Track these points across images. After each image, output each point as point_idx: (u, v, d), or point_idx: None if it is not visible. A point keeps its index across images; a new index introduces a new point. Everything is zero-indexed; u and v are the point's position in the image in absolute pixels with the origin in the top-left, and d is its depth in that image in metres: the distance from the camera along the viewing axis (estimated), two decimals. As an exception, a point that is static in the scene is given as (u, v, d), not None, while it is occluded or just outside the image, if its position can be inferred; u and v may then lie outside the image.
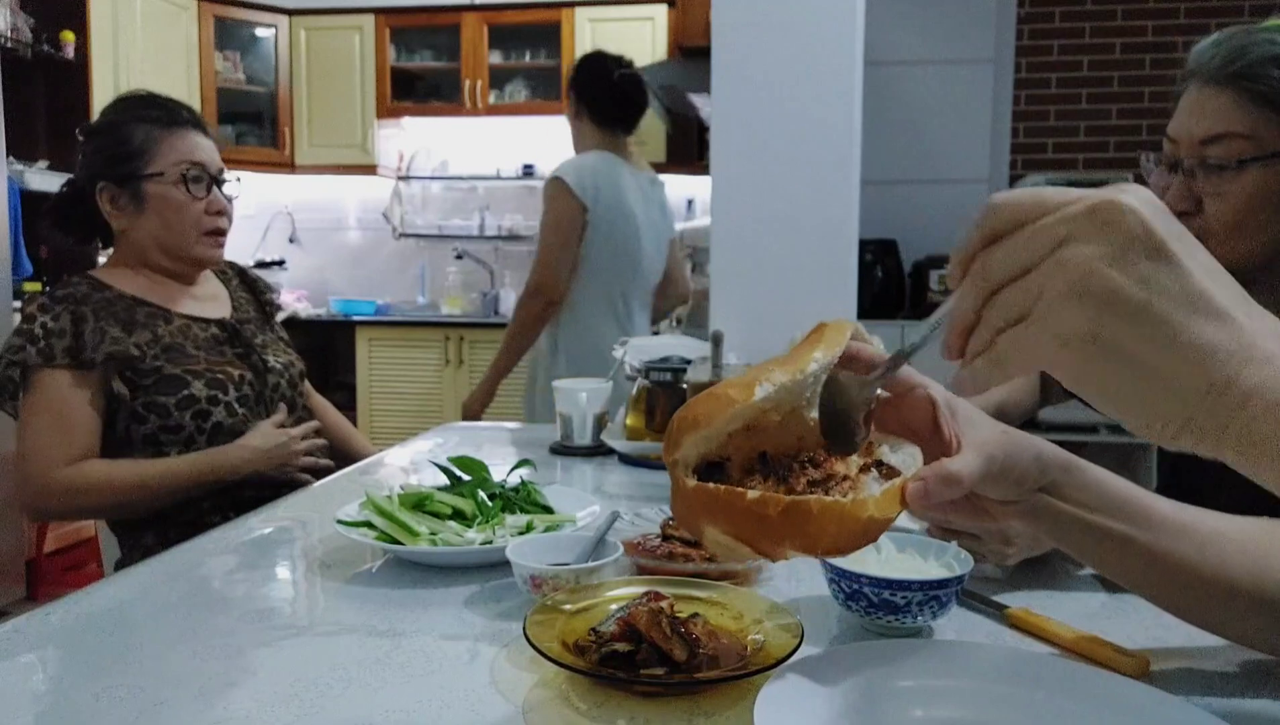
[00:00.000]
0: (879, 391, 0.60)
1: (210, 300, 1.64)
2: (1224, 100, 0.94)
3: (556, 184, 2.34)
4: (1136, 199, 0.42)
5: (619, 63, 2.49)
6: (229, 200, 1.61)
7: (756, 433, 0.59)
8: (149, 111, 1.56)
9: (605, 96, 2.48)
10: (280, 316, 1.83)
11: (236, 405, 1.51)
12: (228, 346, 1.58)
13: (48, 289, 1.52)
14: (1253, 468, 0.42)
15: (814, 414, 0.60)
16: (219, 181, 1.58)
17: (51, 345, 1.42)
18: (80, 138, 1.59)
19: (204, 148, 1.58)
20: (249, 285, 1.78)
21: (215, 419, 1.49)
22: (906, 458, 0.59)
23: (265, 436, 1.51)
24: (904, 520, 1.02)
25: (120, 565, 1.50)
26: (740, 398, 0.56)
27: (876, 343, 0.64)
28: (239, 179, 1.63)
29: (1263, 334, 0.42)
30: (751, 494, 0.53)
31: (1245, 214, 0.94)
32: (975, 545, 0.86)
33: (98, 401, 1.44)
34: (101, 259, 1.75)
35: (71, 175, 1.60)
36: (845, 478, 0.57)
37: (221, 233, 1.60)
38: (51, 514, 1.42)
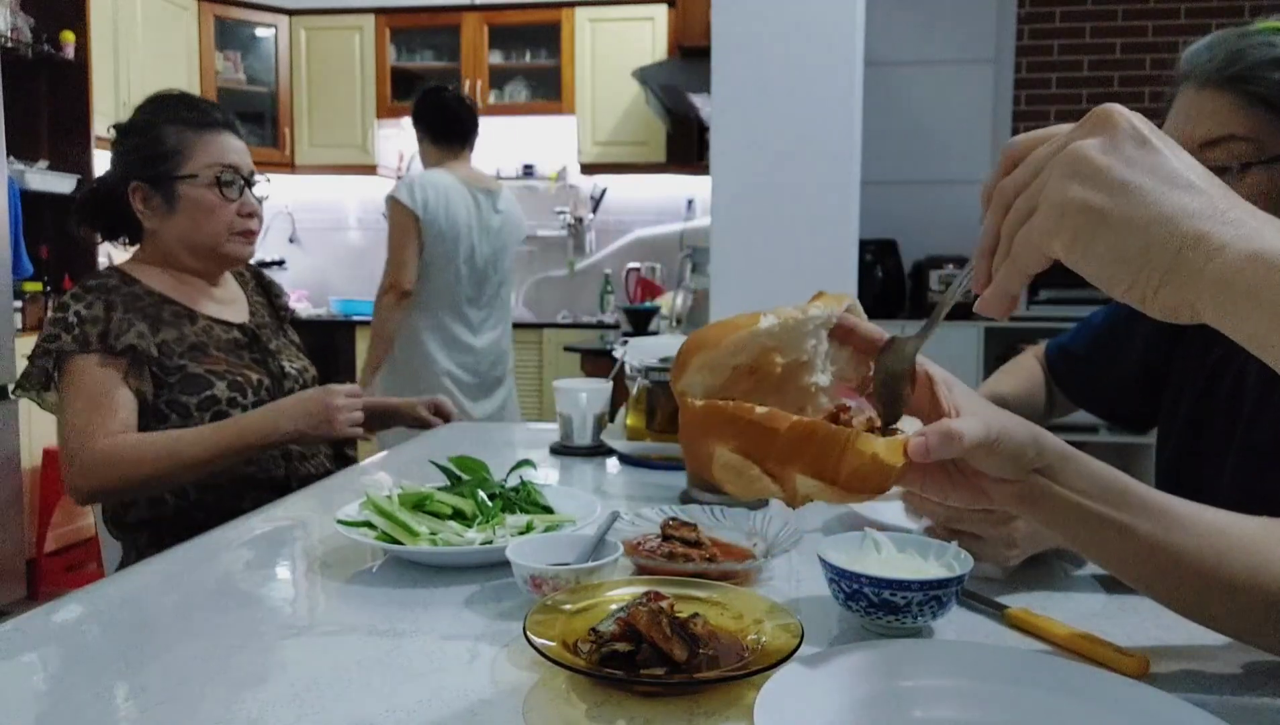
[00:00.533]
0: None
1: (230, 303, 1.65)
2: (1223, 103, 0.92)
3: (391, 201, 2.76)
4: (1120, 108, 0.49)
5: (447, 89, 2.94)
6: (259, 201, 1.61)
7: (762, 382, 0.61)
8: (183, 113, 1.57)
9: (437, 117, 2.87)
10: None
11: (251, 407, 1.52)
12: (246, 351, 1.59)
13: (80, 281, 1.52)
14: (1229, 313, 0.46)
15: (815, 380, 0.62)
16: (250, 183, 1.59)
17: (86, 332, 1.43)
18: (112, 135, 1.60)
19: (236, 150, 1.58)
20: (264, 288, 1.78)
21: (220, 406, 1.49)
22: (908, 427, 0.62)
23: (302, 397, 1.48)
24: (904, 520, 1.02)
25: (121, 566, 1.50)
26: (746, 324, 0.59)
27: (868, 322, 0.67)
28: (269, 179, 1.63)
29: (1234, 206, 0.47)
30: (760, 409, 0.56)
31: None
32: (978, 547, 0.86)
33: (131, 384, 1.44)
34: (108, 256, 1.75)
35: (79, 175, 1.62)
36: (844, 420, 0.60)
37: (252, 233, 1.61)
38: (96, 491, 1.41)
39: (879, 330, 0.66)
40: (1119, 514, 0.64)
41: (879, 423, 0.62)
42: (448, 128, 2.87)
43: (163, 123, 1.55)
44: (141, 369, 1.45)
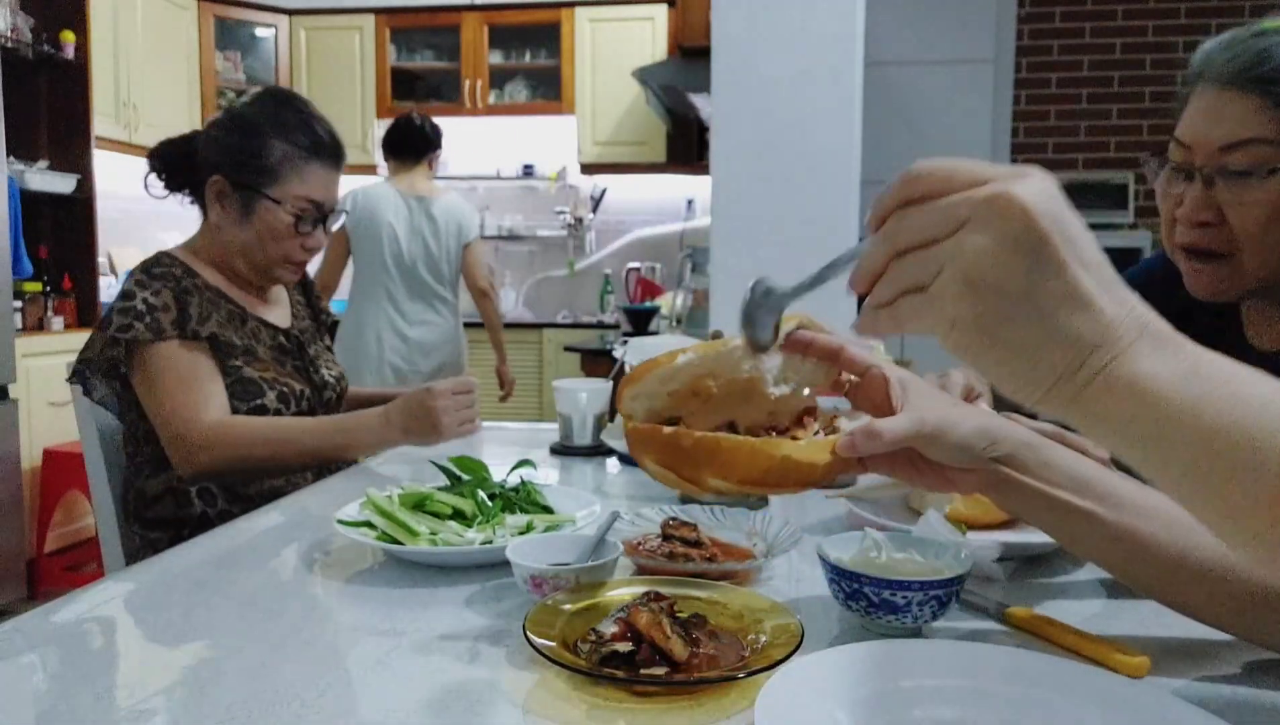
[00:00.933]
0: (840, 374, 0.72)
1: (275, 305, 1.65)
2: (1246, 105, 0.89)
3: None
4: (1029, 192, 0.46)
5: (414, 117, 3.29)
6: (328, 233, 1.60)
7: (721, 399, 0.71)
8: (298, 134, 1.52)
9: (392, 136, 3.27)
10: None
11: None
12: (289, 358, 1.58)
13: (138, 266, 1.50)
14: (1097, 436, 0.48)
15: (775, 391, 0.71)
16: (325, 217, 1.56)
17: (158, 319, 1.42)
18: (222, 115, 1.56)
19: (328, 184, 1.56)
20: (305, 289, 1.77)
21: None
22: (846, 426, 0.70)
23: (407, 404, 1.42)
24: (904, 520, 1.02)
25: (131, 562, 1.50)
26: (664, 361, 0.70)
27: (831, 332, 0.73)
28: (346, 211, 1.61)
29: (1122, 323, 0.47)
30: (668, 429, 0.67)
31: (1272, 223, 0.89)
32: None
33: (207, 363, 1.44)
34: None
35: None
36: (796, 436, 0.69)
37: (305, 264, 1.61)
38: (208, 465, 1.39)
39: (835, 339, 0.71)
40: (1084, 502, 0.67)
41: (833, 426, 0.72)
42: (398, 146, 3.26)
43: (273, 134, 1.50)
44: (218, 359, 1.46)
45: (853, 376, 0.73)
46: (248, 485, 1.48)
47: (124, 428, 1.53)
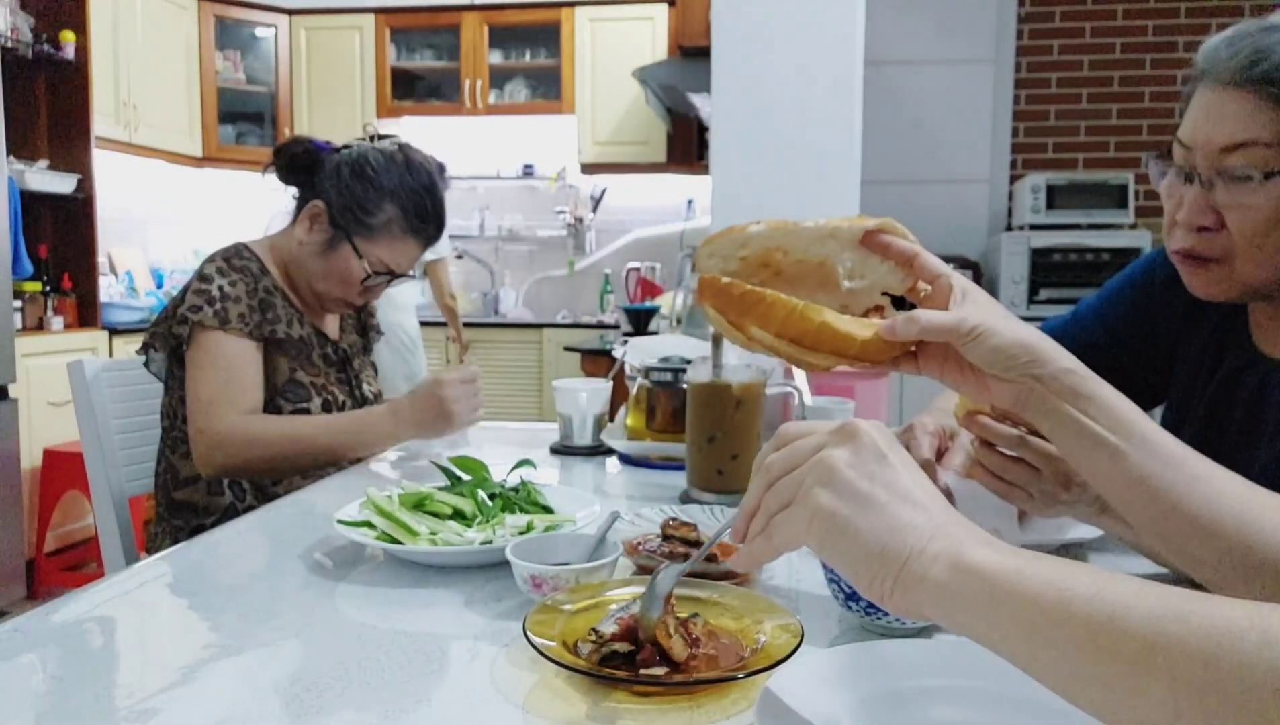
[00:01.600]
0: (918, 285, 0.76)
1: (329, 315, 1.67)
2: (1246, 105, 0.85)
3: None
4: (870, 425, 0.58)
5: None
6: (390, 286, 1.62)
7: (779, 273, 0.75)
8: (409, 205, 1.52)
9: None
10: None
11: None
12: (334, 369, 1.61)
13: (220, 252, 1.52)
14: (946, 614, 0.52)
15: (849, 285, 0.76)
16: (394, 277, 1.57)
17: (227, 309, 1.44)
18: (355, 149, 1.54)
19: (413, 258, 1.58)
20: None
21: None
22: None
23: (415, 398, 1.44)
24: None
25: (150, 550, 1.51)
26: (740, 228, 0.75)
27: (912, 240, 0.75)
28: (414, 275, 1.61)
29: (952, 522, 0.54)
30: (725, 279, 0.72)
31: (1271, 227, 0.87)
32: (1031, 481, 0.85)
33: (257, 365, 1.46)
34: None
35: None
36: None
37: (356, 307, 1.62)
38: (225, 465, 1.41)
39: (911, 246, 0.74)
40: (1115, 438, 0.67)
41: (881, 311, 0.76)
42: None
43: (388, 197, 1.51)
44: (276, 360, 1.48)
45: (927, 286, 0.74)
46: (277, 483, 1.49)
47: (165, 400, 1.55)
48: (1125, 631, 0.44)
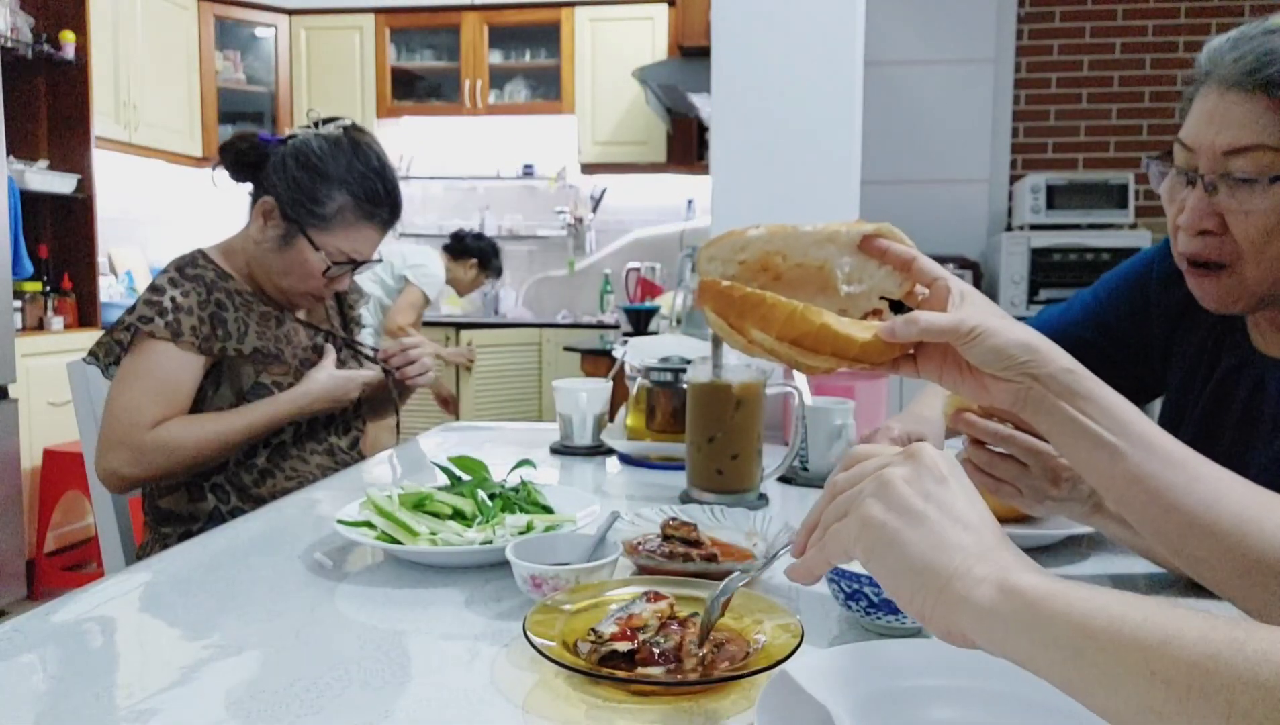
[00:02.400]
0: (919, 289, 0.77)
1: (308, 311, 1.65)
2: (1251, 108, 0.84)
3: None
4: (936, 451, 0.59)
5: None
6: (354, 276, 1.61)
7: (779, 277, 0.76)
8: (360, 189, 1.49)
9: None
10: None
11: (305, 428, 1.54)
12: (316, 359, 1.58)
13: (174, 261, 1.50)
14: (986, 638, 0.52)
15: (847, 289, 0.76)
16: (358, 265, 1.55)
17: (179, 321, 1.42)
18: (299, 139, 1.51)
19: (373, 243, 1.55)
20: (337, 295, 1.75)
21: (283, 438, 1.51)
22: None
23: (323, 379, 1.52)
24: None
25: (141, 556, 1.51)
26: (738, 232, 0.76)
27: (909, 244, 0.76)
28: (380, 259, 1.60)
29: (1002, 547, 0.54)
30: (726, 282, 0.73)
31: (1276, 232, 0.86)
32: (1019, 476, 0.85)
33: (196, 381, 1.45)
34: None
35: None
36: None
37: (325, 298, 1.61)
38: (140, 478, 1.41)
39: (908, 251, 0.75)
40: (1114, 438, 0.67)
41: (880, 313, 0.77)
42: None
43: (336, 185, 1.48)
44: (222, 373, 1.47)
45: (924, 290, 0.75)
46: (260, 485, 1.49)
47: None
48: (1179, 658, 0.44)
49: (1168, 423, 1.12)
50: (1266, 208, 0.85)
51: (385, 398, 1.77)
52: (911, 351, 0.73)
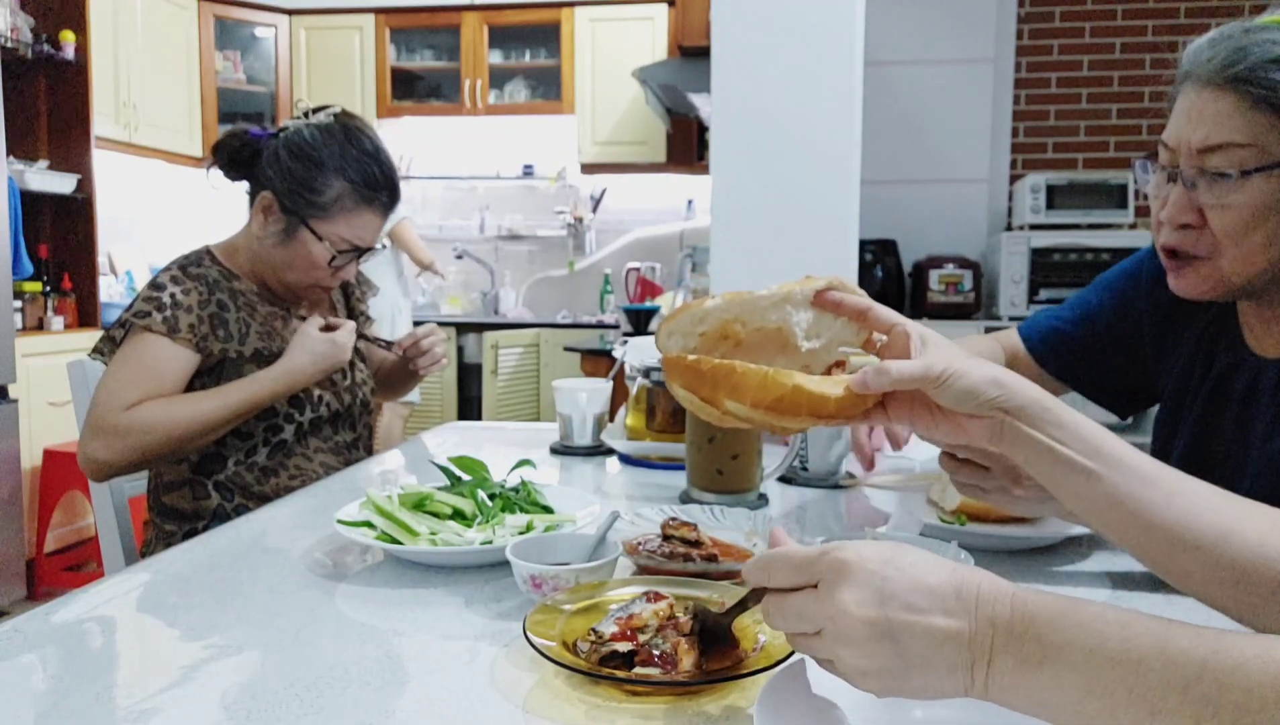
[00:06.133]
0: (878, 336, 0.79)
1: (316, 304, 1.65)
2: (1223, 105, 0.88)
3: None
4: (851, 599, 0.56)
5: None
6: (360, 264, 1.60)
7: (739, 345, 0.77)
8: (356, 175, 1.48)
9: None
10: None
11: (307, 426, 1.53)
12: None
13: (178, 259, 1.50)
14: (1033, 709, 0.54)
15: (806, 345, 0.78)
16: (362, 253, 1.55)
17: (177, 317, 1.42)
18: (291, 131, 1.50)
19: (375, 228, 1.53)
20: (344, 290, 1.75)
21: (283, 436, 1.50)
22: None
23: (304, 346, 1.46)
24: (904, 522, 1.02)
25: (145, 554, 1.51)
26: (696, 304, 0.77)
27: (860, 294, 0.79)
28: (385, 246, 1.60)
29: (977, 634, 0.55)
30: (691, 356, 0.73)
31: (1251, 225, 0.89)
32: (982, 479, 0.85)
33: (184, 373, 1.44)
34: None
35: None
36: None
37: (331, 289, 1.60)
38: (117, 463, 1.38)
39: (862, 300, 0.78)
40: (1089, 462, 0.68)
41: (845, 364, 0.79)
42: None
43: (333, 172, 1.47)
44: (224, 374, 1.46)
45: (883, 336, 0.77)
46: (264, 483, 1.49)
47: None
48: (1226, 685, 0.48)
49: (1166, 425, 1.12)
50: (1241, 202, 0.89)
51: (399, 379, 1.80)
52: (881, 400, 0.74)
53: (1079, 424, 0.70)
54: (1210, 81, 0.89)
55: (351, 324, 1.53)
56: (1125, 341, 1.16)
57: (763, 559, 0.61)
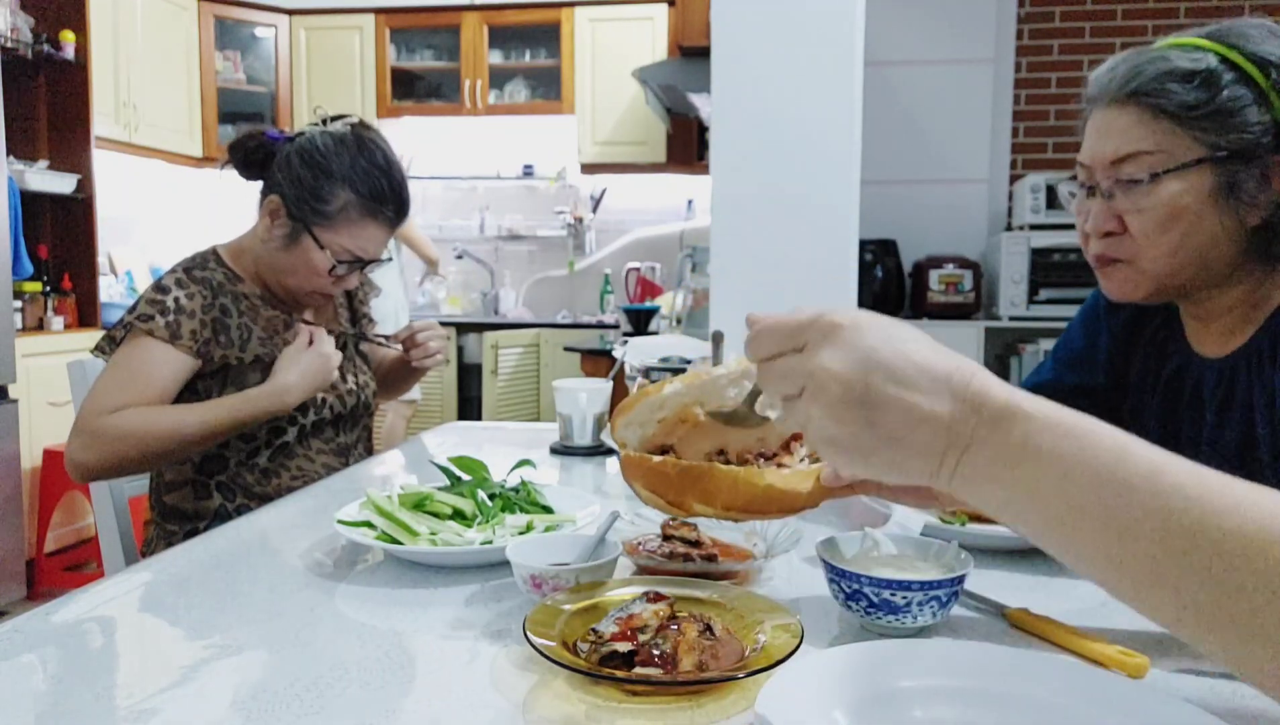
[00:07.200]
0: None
1: (320, 309, 1.65)
2: (1128, 119, 0.97)
3: None
4: (834, 358, 0.55)
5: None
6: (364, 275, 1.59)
7: (697, 426, 0.75)
8: (365, 187, 1.48)
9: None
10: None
11: (309, 428, 1.52)
12: None
13: (184, 261, 1.49)
14: (973, 503, 0.55)
15: (766, 412, 0.73)
16: (365, 265, 1.54)
17: (180, 323, 1.41)
18: (305, 137, 1.50)
19: (379, 242, 1.53)
20: (348, 293, 1.74)
21: (286, 439, 1.50)
22: None
23: (292, 360, 1.45)
24: (904, 522, 1.02)
25: (146, 553, 1.51)
26: (653, 391, 0.74)
27: None
28: (390, 258, 1.59)
29: (959, 419, 0.54)
30: (656, 459, 0.70)
31: (1166, 224, 0.96)
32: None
33: (177, 379, 1.43)
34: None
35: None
36: (783, 464, 0.73)
37: (333, 296, 1.59)
38: (94, 466, 1.37)
39: None
40: None
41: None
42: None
43: (340, 182, 1.47)
44: (227, 379, 1.46)
45: None
46: (265, 484, 1.49)
47: None
48: (1134, 508, 0.48)
49: (1131, 429, 1.15)
50: (1155, 204, 0.96)
51: (398, 377, 1.81)
52: None
53: None
54: (1114, 100, 0.98)
55: (322, 330, 1.51)
56: (1096, 369, 1.21)
57: (751, 332, 0.59)
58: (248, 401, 1.42)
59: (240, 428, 1.43)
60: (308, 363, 1.46)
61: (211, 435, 1.40)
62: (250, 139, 1.53)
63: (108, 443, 1.36)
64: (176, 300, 1.43)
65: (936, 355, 0.55)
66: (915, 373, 0.54)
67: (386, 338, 1.68)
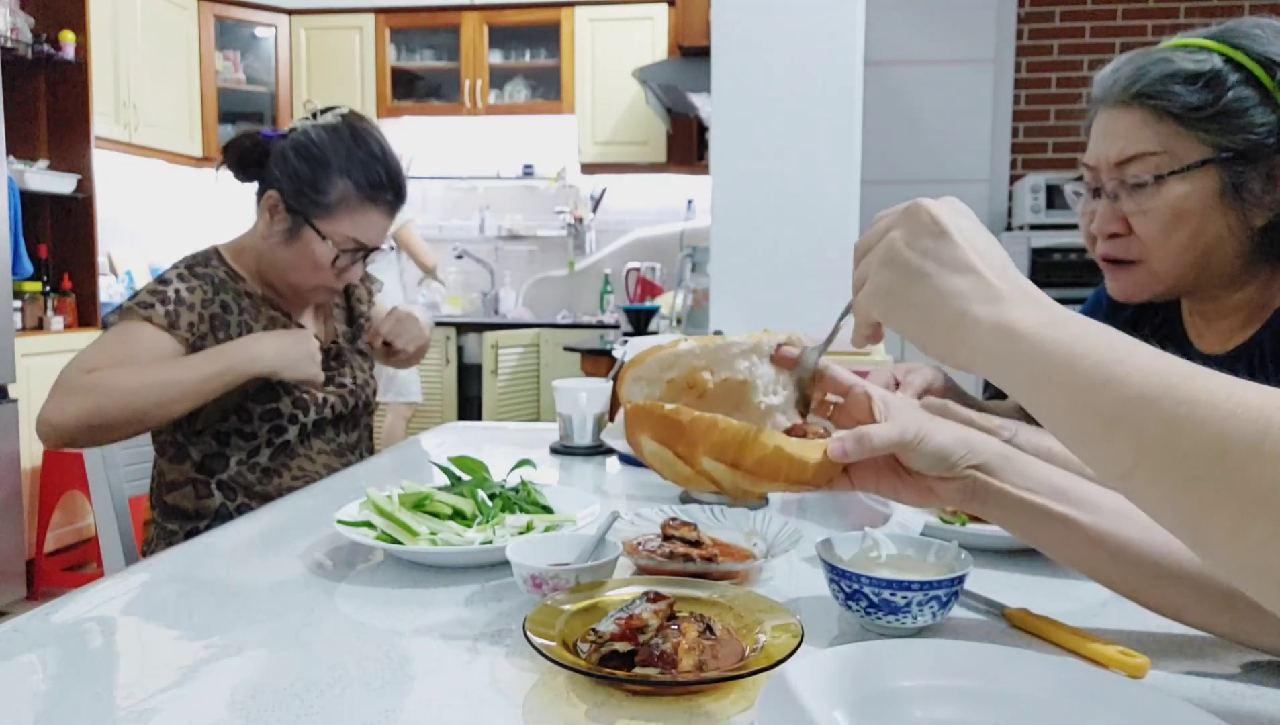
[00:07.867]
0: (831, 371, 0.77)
1: (318, 310, 1.65)
2: (1132, 121, 0.97)
3: None
4: (936, 201, 0.61)
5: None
6: (367, 266, 1.59)
7: (712, 400, 0.73)
8: (361, 175, 1.48)
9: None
10: None
11: (310, 427, 1.52)
12: (322, 367, 1.56)
13: (187, 258, 1.50)
14: (991, 373, 0.56)
15: (765, 401, 0.74)
16: (368, 253, 1.54)
17: (177, 313, 1.41)
18: (298, 131, 1.50)
19: (380, 228, 1.53)
20: (345, 292, 1.75)
21: (287, 437, 1.50)
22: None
23: (282, 332, 1.46)
24: (904, 521, 1.02)
25: (146, 553, 1.51)
26: (668, 347, 0.73)
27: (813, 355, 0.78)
28: (392, 247, 1.59)
29: (1003, 283, 0.57)
30: (669, 406, 0.68)
31: (1172, 226, 0.96)
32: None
33: (162, 359, 1.41)
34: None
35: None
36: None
37: (336, 290, 1.59)
38: (70, 426, 1.33)
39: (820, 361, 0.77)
40: (1061, 507, 0.69)
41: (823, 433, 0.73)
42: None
43: (337, 171, 1.47)
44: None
45: (837, 397, 0.76)
46: (266, 483, 1.49)
47: None
48: (1113, 395, 0.50)
49: None
50: (1161, 205, 0.97)
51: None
52: (845, 467, 0.72)
53: (1044, 470, 0.71)
54: (1118, 101, 0.98)
55: (306, 330, 1.52)
56: None
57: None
58: (219, 352, 1.40)
59: (214, 381, 1.37)
60: (288, 344, 1.45)
61: (197, 393, 1.36)
62: (245, 138, 1.53)
63: (88, 396, 1.32)
64: (177, 292, 1.43)
65: (997, 257, 0.59)
66: (994, 250, 0.59)
67: (368, 347, 1.67)
